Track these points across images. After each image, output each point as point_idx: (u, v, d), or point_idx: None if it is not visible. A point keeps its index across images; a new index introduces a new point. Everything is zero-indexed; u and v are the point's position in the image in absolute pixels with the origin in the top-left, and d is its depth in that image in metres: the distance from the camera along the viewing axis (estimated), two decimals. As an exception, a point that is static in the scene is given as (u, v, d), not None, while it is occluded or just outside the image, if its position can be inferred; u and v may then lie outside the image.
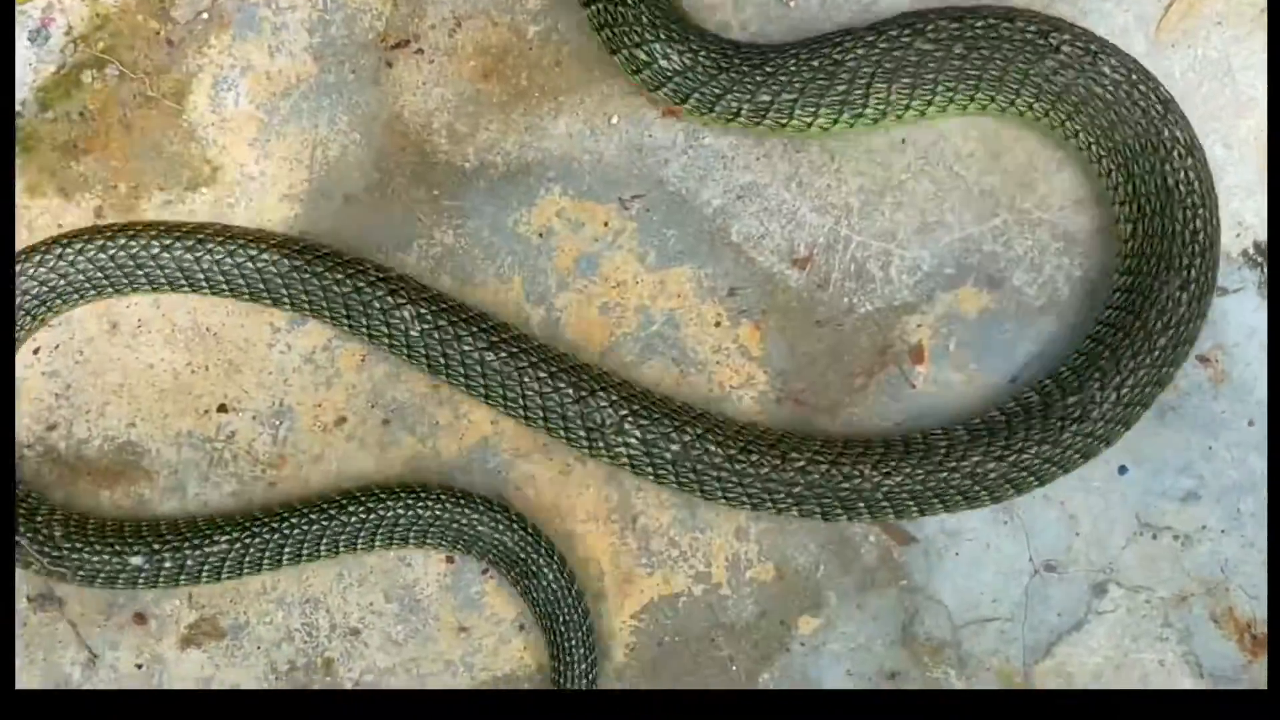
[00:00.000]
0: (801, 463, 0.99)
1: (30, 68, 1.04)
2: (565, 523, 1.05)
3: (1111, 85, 0.99)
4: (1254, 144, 1.04)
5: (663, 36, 0.98)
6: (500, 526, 1.01)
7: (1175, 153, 0.99)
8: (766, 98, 0.99)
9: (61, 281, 1.02)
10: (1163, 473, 1.04)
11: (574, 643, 1.01)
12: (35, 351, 1.04)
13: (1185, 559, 1.04)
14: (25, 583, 1.04)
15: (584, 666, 1.01)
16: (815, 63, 0.99)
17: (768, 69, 0.99)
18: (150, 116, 1.05)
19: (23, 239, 1.04)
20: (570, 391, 0.99)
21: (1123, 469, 1.04)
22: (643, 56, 0.99)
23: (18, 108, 1.04)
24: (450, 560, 1.05)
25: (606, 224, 1.05)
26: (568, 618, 1.01)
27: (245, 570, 1.02)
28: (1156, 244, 0.99)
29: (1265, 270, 1.03)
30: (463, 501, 1.01)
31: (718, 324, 1.05)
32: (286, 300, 1.01)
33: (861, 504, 0.99)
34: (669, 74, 0.99)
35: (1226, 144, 1.03)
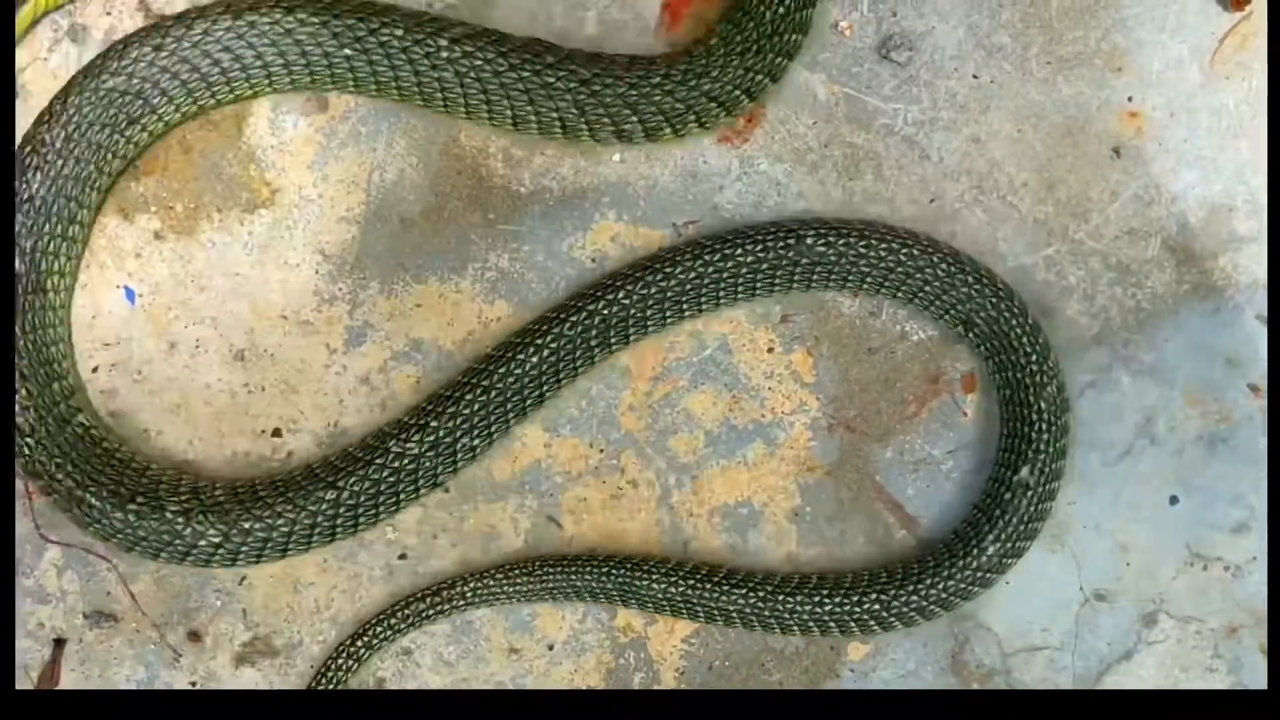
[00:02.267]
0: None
1: (92, 89, 1.05)
2: (618, 546, 1.05)
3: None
4: (1307, 176, 1.04)
5: None
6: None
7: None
8: None
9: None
10: (1213, 504, 1.04)
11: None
12: (94, 370, 1.05)
13: (1236, 590, 1.05)
14: (82, 599, 1.05)
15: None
16: None
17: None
18: (210, 139, 1.06)
19: (83, 257, 1.05)
20: None
21: (1174, 499, 1.04)
22: None
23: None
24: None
25: (659, 246, 1.06)
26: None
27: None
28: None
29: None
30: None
31: (770, 350, 1.06)
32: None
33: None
34: None
35: (1280, 175, 1.04)
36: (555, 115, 1.01)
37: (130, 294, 1.06)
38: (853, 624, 1.02)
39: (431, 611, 1.03)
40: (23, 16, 1.04)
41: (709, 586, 1.01)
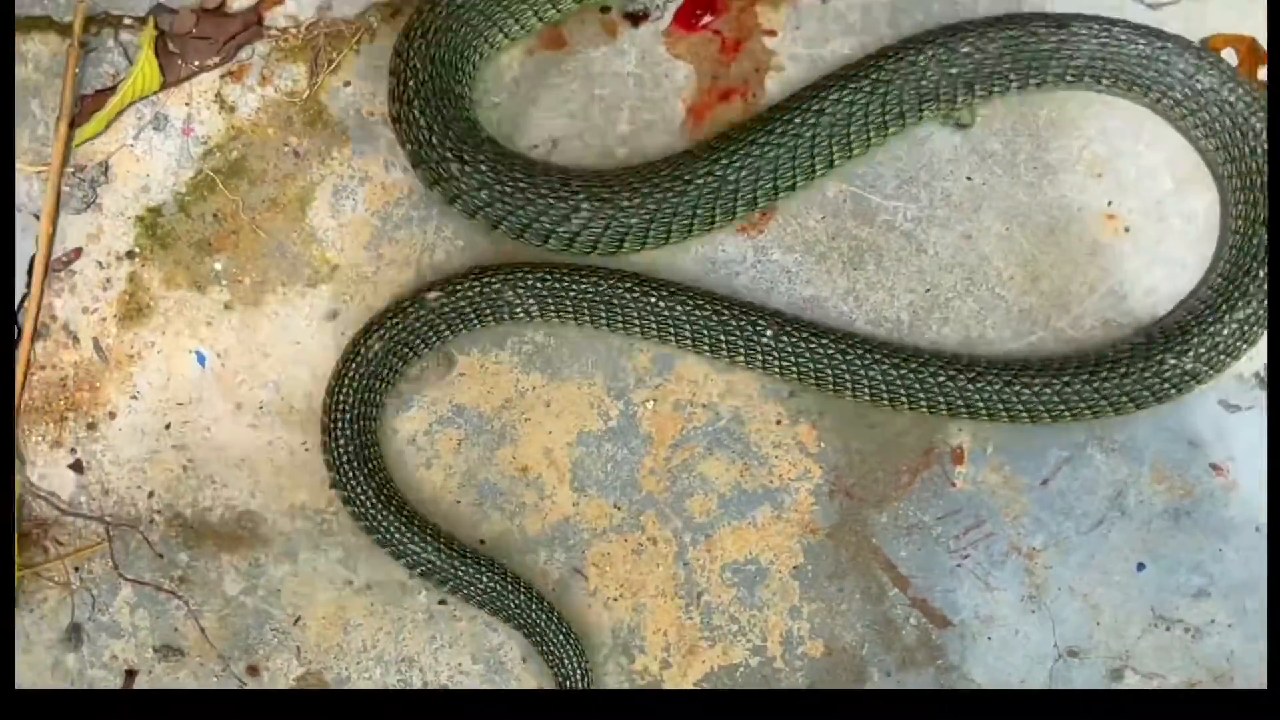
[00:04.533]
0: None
1: (170, 173, 1.17)
2: (637, 597, 1.16)
3: None
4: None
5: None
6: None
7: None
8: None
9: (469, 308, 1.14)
10: (1176, 571, 1.15)
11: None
12: (167, 426, 1.16)
13: (1195, 650, 1.15)
14: (152, 634, 1.16)
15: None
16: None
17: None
18: (276, 220, 1.17)
19: (156, 324, 1.16)
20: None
21: (1140, 566, 1.15)
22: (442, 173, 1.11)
23: (159, 208, 1.16)
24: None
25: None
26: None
27: None
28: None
29: (1265, 389, 1.15)
30: None
31: (778, 422, 1.17)
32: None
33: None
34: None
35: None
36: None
37: (201, 358, 1.17)
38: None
39: None
40: (111, 106, 1.16)
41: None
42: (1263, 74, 1.17)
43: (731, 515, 1.17)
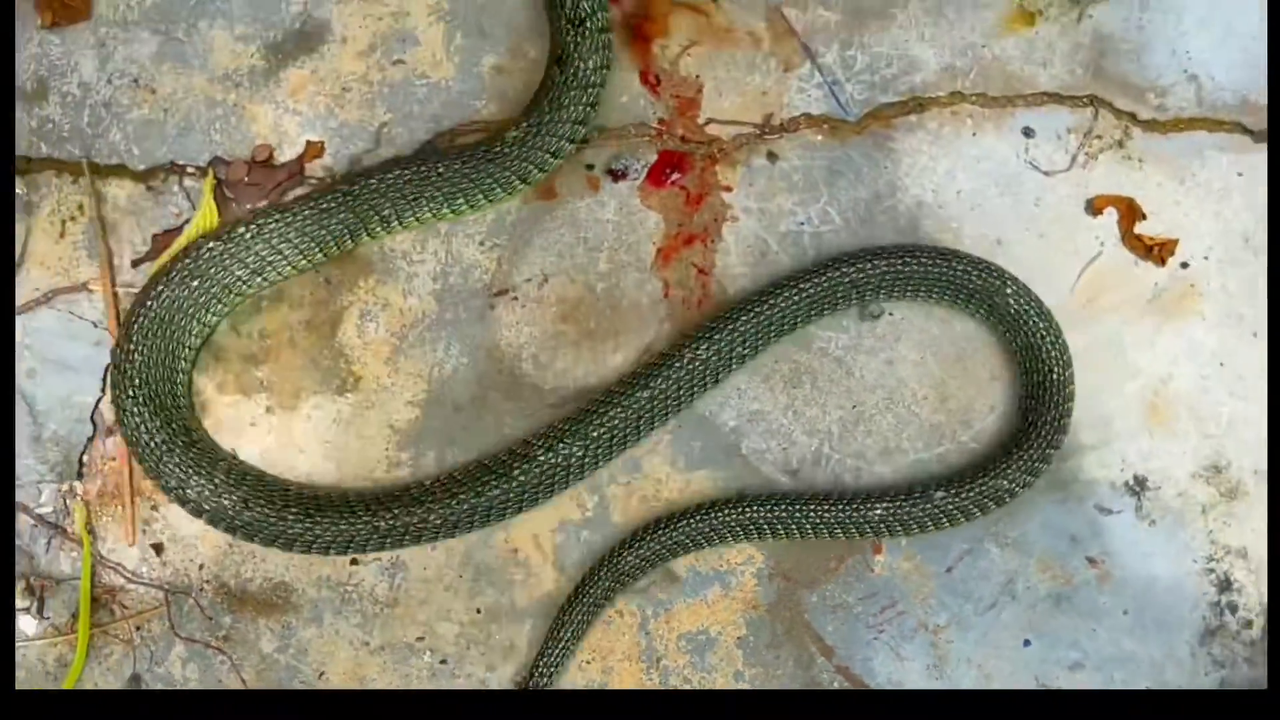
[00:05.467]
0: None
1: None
2: (606, 660, 1.39)
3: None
4: (1137, 399, 1.39)
5: None
6: None
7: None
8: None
9: None
10: (1057, 646, 1.38)
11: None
12: (216, 510, 1.39)
13: (1071, 713, 1.38)
14: (201, 684, 1.39)
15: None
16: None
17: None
18: (311, 338, 1.40)
19: (210, 424, 1.39)
20: None
21: (1027, 642, 1.38)
22: None
23: (215, 330, 1.39)
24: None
25: (653, 442, 1.40)
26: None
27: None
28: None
29: (1140, 498, 1.38)
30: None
31: (728, 515, 1.40)
32: None
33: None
34: None
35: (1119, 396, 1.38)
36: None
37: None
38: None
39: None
40: (177, 244, 1.38)
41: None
42: (1139, 228, 1.40)
43: (687, 593, 1.39)
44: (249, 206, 1.40)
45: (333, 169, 1.41)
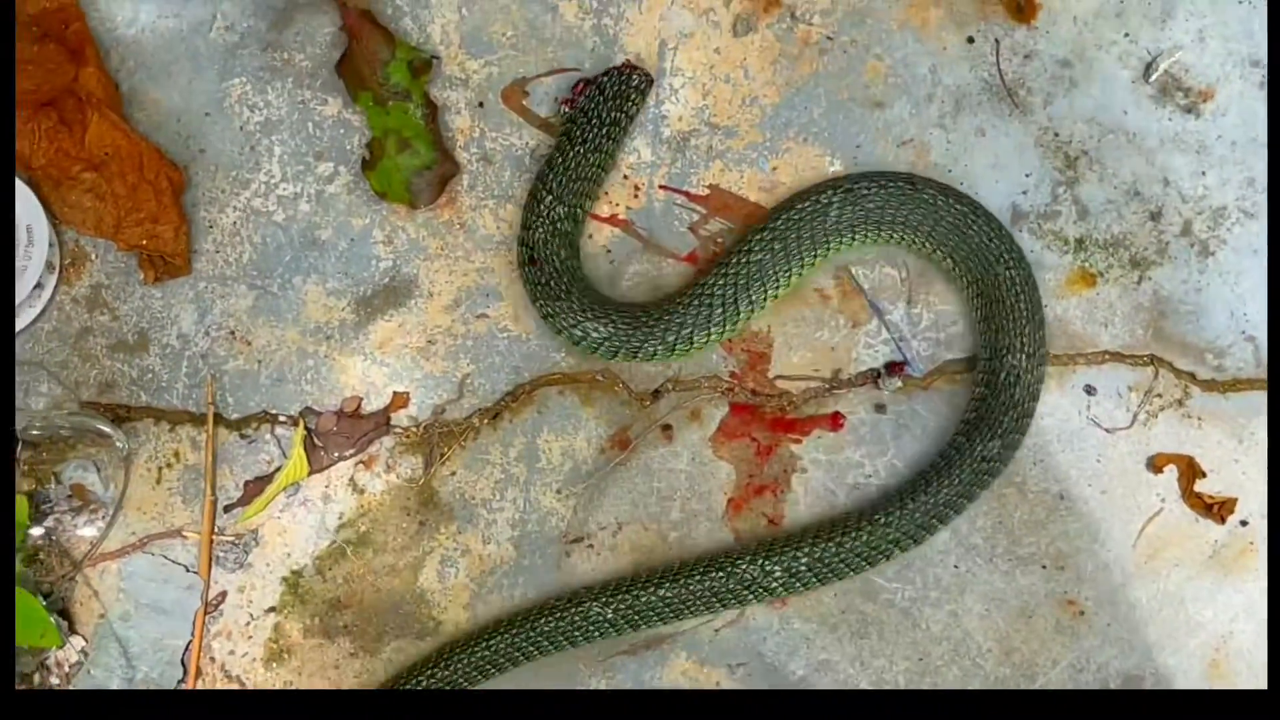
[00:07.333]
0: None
1: (310, 542, 1.45)
2: None
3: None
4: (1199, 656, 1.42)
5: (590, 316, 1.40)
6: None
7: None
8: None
9: None
10: None
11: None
12: None
13: None
14: None
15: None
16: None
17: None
18: (393, 584, 1.45)
19: (294, 666, 1.44)
20: None
21: None
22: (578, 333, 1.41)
23: (300, 570, 1.45)
24: None
25: (718, 683, 1.44)
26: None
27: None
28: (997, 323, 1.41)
29: None
30: None
31: None
32: None
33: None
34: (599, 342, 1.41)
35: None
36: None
37: (328, 694, 1.44)
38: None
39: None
40: (268, 492, 1.44)
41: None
42: (1199, 486, 1.44)
43: None
44: (335, 454, 1.46)
45: (417, 419, 1.46)
